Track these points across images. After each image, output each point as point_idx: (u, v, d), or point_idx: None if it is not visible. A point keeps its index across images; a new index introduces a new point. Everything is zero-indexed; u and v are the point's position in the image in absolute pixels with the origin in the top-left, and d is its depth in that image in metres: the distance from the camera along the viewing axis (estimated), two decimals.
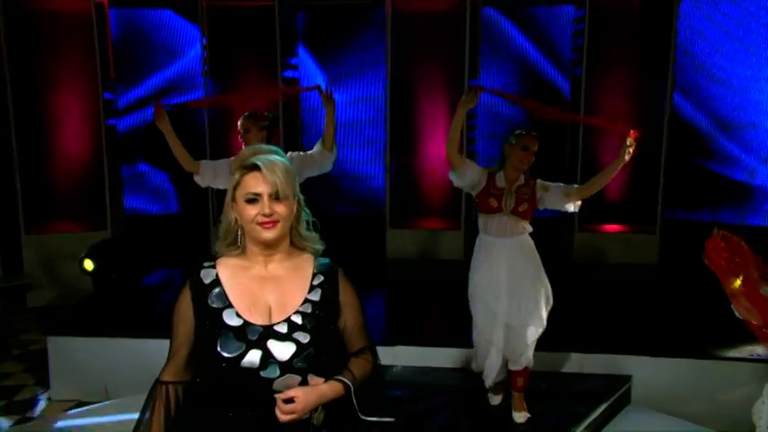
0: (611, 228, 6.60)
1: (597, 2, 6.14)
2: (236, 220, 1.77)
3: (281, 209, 1.73)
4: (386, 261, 6.65)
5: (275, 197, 1.72)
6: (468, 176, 3.59)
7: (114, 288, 5.14)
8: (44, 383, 4.70)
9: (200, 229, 6.81)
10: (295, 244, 1.82)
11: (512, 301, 3.57)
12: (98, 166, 6.50)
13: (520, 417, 3.76)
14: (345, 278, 1.83)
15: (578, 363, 4.37)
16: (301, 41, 6.86)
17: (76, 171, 6.47)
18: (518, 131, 3.59)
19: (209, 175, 3.78)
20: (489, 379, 3.76)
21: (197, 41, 6.74)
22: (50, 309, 6.21)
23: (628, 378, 4.25)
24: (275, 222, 1.72)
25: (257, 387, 1.67)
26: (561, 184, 3.60)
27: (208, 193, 6.58)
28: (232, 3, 6.49)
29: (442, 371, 4.35)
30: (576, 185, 3.60)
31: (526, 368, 3.72)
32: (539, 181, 3.58)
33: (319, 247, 1.84)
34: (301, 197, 1.80)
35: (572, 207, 3.59)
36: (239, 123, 3.81)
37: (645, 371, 4.26)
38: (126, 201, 7.03)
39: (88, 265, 5.07)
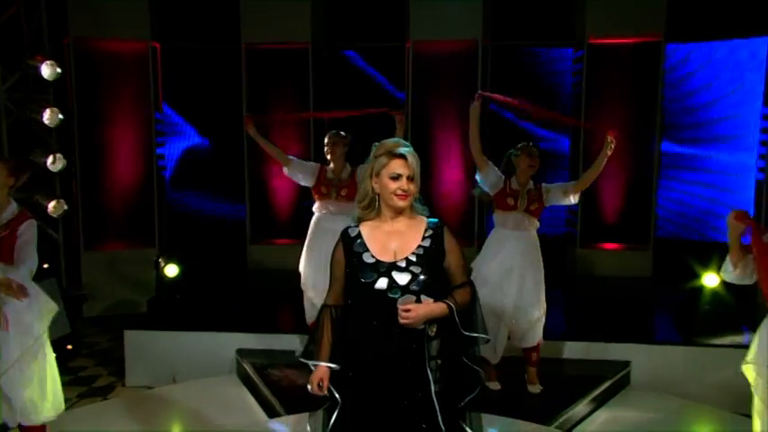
0: (609, 246, 7.31)
1: (595, 46, 6.94)
2: (374, 189, 2.50)
3: (412, 187, 2.48)
4: None
5: (410, 178, 2.46)
6: (491, 177, 4.38)
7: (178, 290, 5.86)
8: (116, 374, 5.39)
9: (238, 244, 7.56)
10: (413, 210, 2.55)
11: (521, 284, 4.32)
12: (149, 190, 7.25)
13: (535, 389, 4.50)
14: (449, 232, 2.56)
15: (584, 350, 5.09)
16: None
17: (130, 194, 7.21)
18: (521, 144, 4.40)
19: (296, 169, 4.66)
20: (498, 356, 4.45)
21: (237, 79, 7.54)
22: (104, 318, 6.89)
23: (627, 363, 4.96)
24: (407, 195, 2.47)
25: (386, 304, 2.41)
26: (561, 183, 4.39)
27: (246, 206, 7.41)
28: (270, 45, 7.29)
29: None
30: (572, 182, 4.35)
31: (537, 344, 4.46)
32: (543, 185, 4.37)
33: (426, 214, 2.58)
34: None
35: (572, 200, 4.35)
36: (327, 139, 4.70)
37: (642, 357, 4.98)
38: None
39: (171, 270, 5.82)
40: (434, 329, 2.47)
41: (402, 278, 2.43)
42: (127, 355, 5.26)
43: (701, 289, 5.43)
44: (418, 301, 2.42)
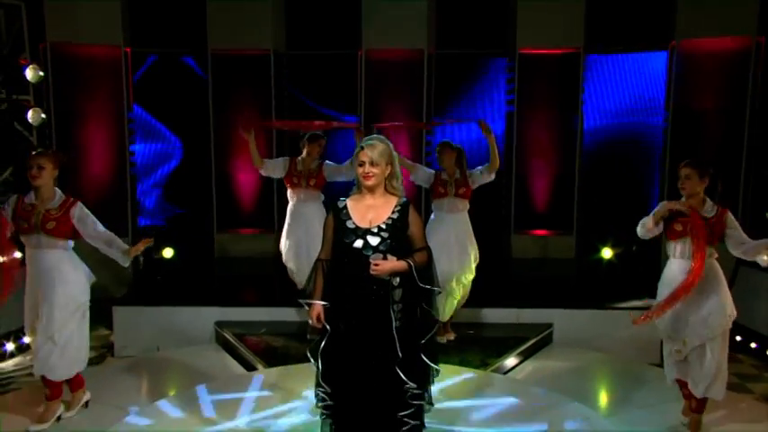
0: (539, 232, 8.29)
1: (524, 55, 7.93)
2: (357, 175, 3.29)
3: (374, 170, 3.23)
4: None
5: (371, 163, 3.23)
6: (420, 175, 5.38)
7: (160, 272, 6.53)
8: (104, 348, 5.99)
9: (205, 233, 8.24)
10: (388, 190, 3.31)
11: (458, 256, 5.27)
12: (121, 184, 7.83)
13: (449, 337, 5.53)
14: (413, 209, 3.32)
15: (515, 315, 6.02)
16: (291, 83, 8.40)
17: (103, 189, 7.77)
18: (438, 144, 5.38)
19: (270, 167, 5.50)
20: (447, 316, 5.38)
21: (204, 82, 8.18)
22: None
23: (550, 325, 5.91)
24: (370, 177, 3.23)
25: (361, 259, 3.18)
26: (479, 168, 5.33)
27: (213, 199, 8.11)
28: (235, 50, 7.98)
29: None
30: (486, 164, 5.30)
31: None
32: (468, 171, 5.31)
33: (401, 194, 3.32)
34: (397, 169, 3.27)
35: (490, 178, 5.33)
36: (306, 139, 5.58)
37: (563, 319, 5.92)
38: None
39: (168, 252, 6.49)
40: (398, 281, 3.25)
41: (374, 240, 3.22)
42: (115, 328, 5.88)
43: (601, 259, 6.79)
44: (385, 258, 3.21)
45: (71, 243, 4.33)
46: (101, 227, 4.34)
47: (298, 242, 5.49)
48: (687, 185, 4.05)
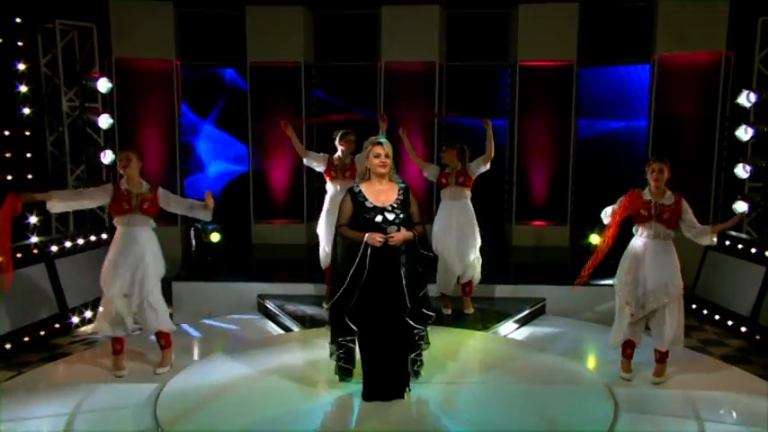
0: (538, 223, 9.31)
1: (524, 67, 8.98)
2: (367, 167, 4.32)
3: (388, 161, 4.29)
4: None
5: (386, 156, 4.29)
6: (431, 171, 6.38)
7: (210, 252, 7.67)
8: None
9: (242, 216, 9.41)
10: (390, 178, 4.35)
11: (460, 238, 6.25)
12: (172, 178, 8.97)
13: (469, 310, 6.47)
14: (412, 192, 4.37)
15: (513, 291, 7.06)
16: (318, 91, 9.51)
17: (157, 182, 8.84)
18: (444, 146, 6.35)
19: (312, 159, 6.47)
20: (449, 290, 6.38)
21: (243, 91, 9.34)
22: None
23: (543, 299, 6.93)
24: (385, 165, 4.30)
25: (380, 230, 4.22)
26: (477, 159, 6.23)
27: (249, 192, 9.24)
28: (270, 63, 9.10)
29: None
30: (481, 156, 6.22)
31: (471, 281, 6.40)
32: (468, 164, 6.24)
33: (398, 181, 4.37)
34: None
35: (485, 168, 6.23)
36: (338, 138, 6.45)
37: (554, 294, 6.94)
38: None
39: (215, 237, 7.63)
40: (404, 248, 4.31)
41: (390, 216, 4.28)
42: (174, 300, 6.98)
43: (589, 244, 7.68)
44: (399, 230, 4.26)
45: (154, 224, 5.35)
46: (181, 198, 5.44)
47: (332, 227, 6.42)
48: (661, 179, 4.88)
